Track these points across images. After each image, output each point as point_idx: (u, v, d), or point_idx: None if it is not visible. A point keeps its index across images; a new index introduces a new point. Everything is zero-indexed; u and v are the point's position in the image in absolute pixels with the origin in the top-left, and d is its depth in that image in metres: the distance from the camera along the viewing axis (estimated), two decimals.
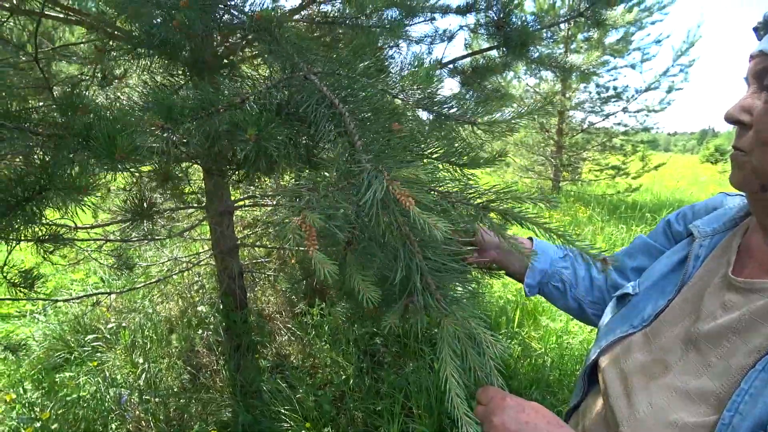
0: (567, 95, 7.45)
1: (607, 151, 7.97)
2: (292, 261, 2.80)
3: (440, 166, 0.77)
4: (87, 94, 1.58)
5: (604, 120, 7.67)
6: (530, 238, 0.90)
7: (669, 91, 7.02)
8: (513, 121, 0.71)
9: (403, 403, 1.99)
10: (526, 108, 0.71)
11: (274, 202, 2.57)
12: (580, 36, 6.04)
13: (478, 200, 0.65)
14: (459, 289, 0.67)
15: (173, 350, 2.47)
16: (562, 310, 0.90)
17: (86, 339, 2.65)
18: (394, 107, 0.79)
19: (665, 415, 0.52)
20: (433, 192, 0.65)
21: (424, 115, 0.83)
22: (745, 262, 0.59)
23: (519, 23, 1.45)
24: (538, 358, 2.59)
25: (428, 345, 2.38)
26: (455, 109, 0.79)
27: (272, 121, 0.69)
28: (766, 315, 0.51)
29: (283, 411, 1.94)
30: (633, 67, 7.21)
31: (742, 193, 0.67)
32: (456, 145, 0.76)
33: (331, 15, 1.51)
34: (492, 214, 0.63)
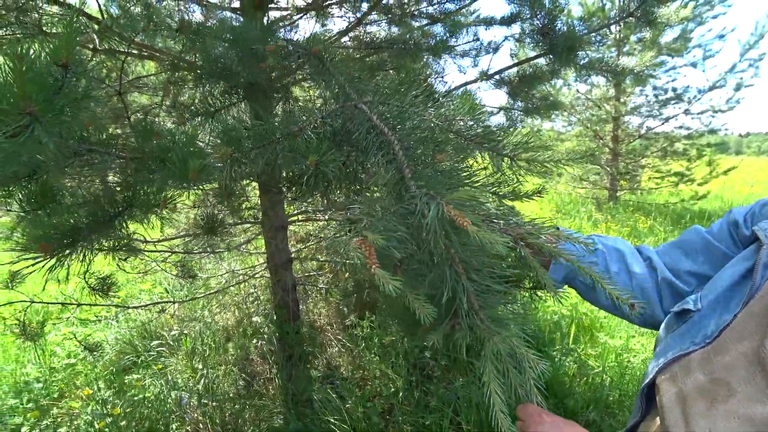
0: (622, 100, 7.10)
1: (668, 157, 7.45)
2: (345, 275, 2.87)
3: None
4: (158, 120, 1.74)
5: (663, 124, 7.21)
6: (556, 227, 0.82)
7: (737, 89, 6.48)
8: (551, 163, 0.72)
9: (452, 417, 1.96)
10: (565, 154, 0.71)
11: (326, 217, 2.66)
12: (632, 37, 5.77)
13: (516, 231, 0.66)
14: (503, 309, 0.68)
15: (230, 358, 2.60)
16: (595, 306, 0.83)
17: (152, 344, 2.85)
18: (439, 136, 0.82)
19: None
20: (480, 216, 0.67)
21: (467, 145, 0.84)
22: None
23: (565, 28, 1.43)
24: (596, 376, 2.46)
25: (478, 359, 2.33)
26: (497, 141, 0.80)
27: (330, 149, 0.74)
28: None
29: (332, 421, 1.97)
30: (694, 65, 6.75)
31: None
32: (497, 175, 0.77)
33: (378, 37, 1.57)
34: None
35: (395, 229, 0.61)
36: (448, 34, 1.60)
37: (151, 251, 2.23)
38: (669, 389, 0.60)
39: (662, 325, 0.71)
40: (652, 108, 7.11)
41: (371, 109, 0.80)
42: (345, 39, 1.77)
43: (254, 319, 2.89)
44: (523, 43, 1.77)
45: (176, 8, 2.06)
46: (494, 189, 0.81)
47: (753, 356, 0.53)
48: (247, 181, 2.21)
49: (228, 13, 2.00)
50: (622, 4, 1.56)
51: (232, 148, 0.70)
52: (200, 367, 2.49)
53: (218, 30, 1.09)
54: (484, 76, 2.00)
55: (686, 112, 6.94)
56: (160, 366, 2.60)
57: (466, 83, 2.11)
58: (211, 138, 0.83)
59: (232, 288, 3.17)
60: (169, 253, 2.35)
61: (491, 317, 0.63)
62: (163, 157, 0.63)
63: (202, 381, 2.37)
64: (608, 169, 7.64)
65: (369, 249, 0.55)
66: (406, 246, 0.63)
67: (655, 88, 6.99)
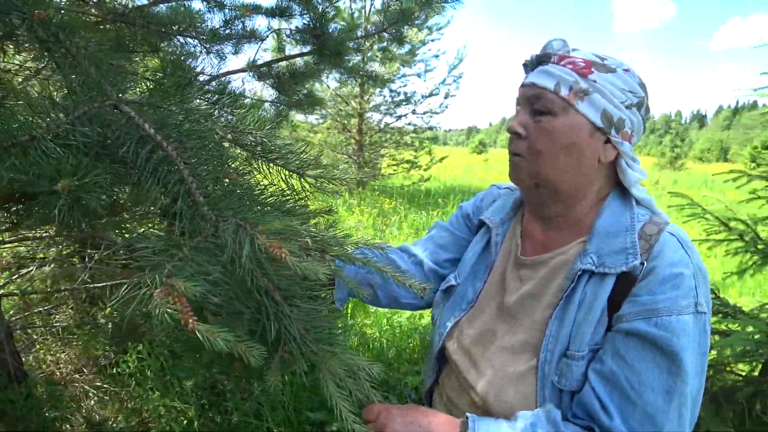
0: (365, 98, 8.15)
1: (401, 147, 9.07)
2: (95, 304, 2.26)
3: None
4: None
5: (397, 120, 8.76)
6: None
7: (446, 96, 8.59)
8: (336, 180, 0.75)
9: (256, 425, 1.87)
10: (345, 173, 0.77)
11: (44, 233, 2.03)
12: (375, 47, 6.75)
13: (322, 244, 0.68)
14: (328, 328, 0.69)
15: None
16: (376, 305, 0.97)
17: None
18: (226, 151, 0.72)
19: (504, 370, 0.68)
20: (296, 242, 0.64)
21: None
22: (527, 243, 0.77)
23: (336, 33, 1.51)
24: (375, 342, 2.80)
25: (254, 377, 2.28)
26: (284, 157, 0.77)
27: (94, 168, 0.54)
28: (549, 279, 0.70)
29: None
30: (419, 76, 8.50)
31: (510, 185, 0.88)
32: (288, 193, 0.76)
33: (120, 6, 1.25)
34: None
35: (206, 271, 0.52)
36: (225, 22, 1.43)
37: None
38: (455, 349, 0.77)
39: (434, 304, 0.89)
40: (389, 107, 8.53)
41: (138, 112, 0.63)
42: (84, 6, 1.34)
43: None
44: (293, 39, 1.77)
45: None
46: (288, 207, 0.79)
47: (501, 308, 0.74)
48: None
49: None
50: (376, 19, 1.75)
51: None
52: None
53: None
54: (252, 66, 1.91)
55: (413, 112, 8.64)
56: None
57: (230, 72, 1.97)
58: None
59: None
60: None
61: (320, 339, 0.63)
62: None
63: None
64: (355, 158, 8.69)
65: (180, 301, 0.46)
66: (221, 288, 0.55)
67: (391, 91, 8.41)
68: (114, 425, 1.88)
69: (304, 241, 0.66)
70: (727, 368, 2.03)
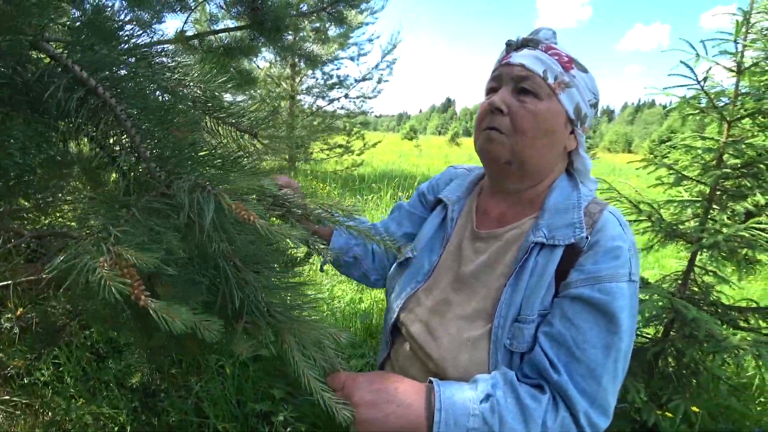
0: (297, 80, 7.85)
1: (333, 132, 8.91)
2: None
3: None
4: None
5: (329, 104, 8.54)
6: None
7: (379, 81, 8.49)
8: (289, 139, 0.73)
9: (200, 422, 1.78)
10: (310, 128, 0.74)
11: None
12: (309, 26, 6.47)
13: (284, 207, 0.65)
14: (293, 295, 0.66)
15: None
16: (355, 279, 1.03)
17: None
18: (168, 106, 0.65)
19: (460, 336, 0.72)
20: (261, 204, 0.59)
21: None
22: (483, 217, 0.82)
23: (275, 7, 1.42)
24: None
25: (209, 352, 2.18)
26: (237, 115, 0.72)
27: (9, 117, 0.46)
28: (503, 251, 0.75)
29: None
30: (352, 59, 8.30)
31: (467, 167, 0.94)
32: (240, 153, 0.71)
33: None
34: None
35: (160, 237, 0.46)
36: None
37: None
38: (412, 320, 0.80)
39: (388, 279, 0.92)
40: (322, 90, 8.27)
41: (69, 54, 0.54)
42: None
43: None
44: (228, 11, 1.64)
45: None
46: (238, 168, 0.74)
47: (457, 278, 0.78)
48: None
49: None
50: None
51: None
52: None
53: None
54: (182, 36, 1.75)
55: (346, 96, 8.47)
56: None
57: (156, 43, 1.78)
58: None
59: None
60: None
61: (285, 306, 0.60)
62: None
63: None
64: (287, 141, 8.39)
65: (130, 272, 0.40)
66: (177, 256, 0.50)
67: (324, 73, 8.15)
68: None
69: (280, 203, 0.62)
70: (637, 332, 2.30)
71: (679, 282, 2.26)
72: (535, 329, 0.68)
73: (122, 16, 0.62)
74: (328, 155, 9.00)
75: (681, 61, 1.95)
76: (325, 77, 8.16)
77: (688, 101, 2.09)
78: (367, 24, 7.85)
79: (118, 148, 0.57)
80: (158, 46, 0.70)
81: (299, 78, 7.89)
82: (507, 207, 0.80)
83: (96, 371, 1.93)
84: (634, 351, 2.10)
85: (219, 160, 0.62)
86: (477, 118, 0.78)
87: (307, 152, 8.89)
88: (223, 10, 1.69)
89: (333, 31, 6.61)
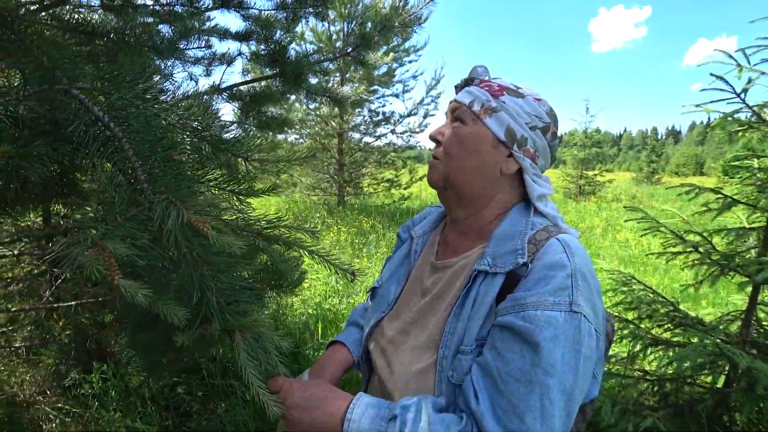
0: (344, 119, 8.28)
1: (382, 167, 9.18)
2: (59, 323, 2.23)
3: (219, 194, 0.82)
4: None
5: (377, 140, 8.90)
6: (335, 341, 0.99)
7: (425, 116, 8.78)
8: (282, 163, 0.82)
9: None
10: (295, 153, 0.84)
11: (16, 252, 2.04)
12: (352, 67, 6.91)
13: (255, 226, 0.73)
14: (248, 303, 0.73)
15: None
16: None
17: None
18: (172, 135, 0.78)
19: (410, 367, 0.74)
20: (221, 219, 0.69)
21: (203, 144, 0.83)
22: (444, 249, 0.85)
23: (294, 57, 1.58)
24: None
25: (237, 379, 2.29)
26: (232, 143, 0.82)
27: (33, 140, 0.60)
28: (452, 281, 0.76)
29: None
30: (397, 96, 8.70)
31: (441, 205, 0.96)
32: (234, 174, 0.82)
33: (91, 23, 1.29)
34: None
35: (136, 236, 0.57)
36: (178, 36, 1.48)
37: None
38: (375, 349, 0.83)
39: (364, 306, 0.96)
40: (368, 127, 8.67)
41: (88, 96, 0.69)
42: (44, 15, 1.38)
43: None
44: (256, 63, 1.85)
45: None
46: (231, 187, 0.85)
47: (417, 309, 0.80)
48: None
49: None
50: (340, 45, 1.83)
51: None
52: None
53: None
54: (216, 89, 1.97)
55: (393, 131, 8.80)
56: None
57: (199, 94, 2.02)
58: None
59: None
60: None
61: (237, 312, 0.67)
62: None
63: None
64: (336, 177, 8.76)
65: (109, 259, 0.51)
66: (148, 253, 0.60)
67: (370, 110, 8.59)
68: None
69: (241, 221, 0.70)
70: (691, 380, 2.04)
71: (740, 323, 2.00)
72: (473, 360, 0.66)
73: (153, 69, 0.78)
74: (375, 189, 9.24)
75: (711, 74, 1.78)
76: (371, 114, 8.53)
77: (731, 116, 1.84)
78: (410, 62, 8.19)
79: (119, 171, 0.69)
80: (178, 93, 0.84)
81: (346, 116, 8.30)
82: (459, 237, 0.82)
83: (137, 387, 2.09)
84: (687, 404, 1.87)
85: (205, 180, 0.74)
86: None
87: (358, 187, 9.20)
88: (251, 63, 1.89)
89: (375, 71, 6.96)
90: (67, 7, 1.33)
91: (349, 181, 8.94)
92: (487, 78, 0.82)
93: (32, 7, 1.30)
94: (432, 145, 0.82)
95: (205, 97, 1.79)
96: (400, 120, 8.69)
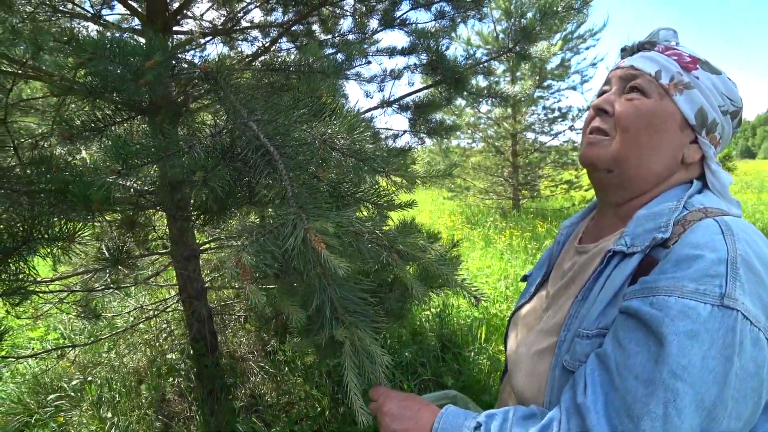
0: (517, 119, 7.93)
1: (560, 168, 8.43)
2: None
3: (363, 207, 0.91)
4: (47, 145, 1.62)
5: (553, 139, 8.22)
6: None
7: None
8: (419, 178, 0.86)
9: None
10: (432, 170, 0.87)
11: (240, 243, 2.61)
12: (521, 63, 6.60)
13: (385, 240, 0.77)
14: (364, 315, 0.79)
15: (143, 401, 2.41)
16: None
17: (48, 399, 2.53)
18: (323, 152, 0.87)
19: (531, 348, 0.71)
20: (343, 237, 0.76)
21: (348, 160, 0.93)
22: (586, 234, 0.78)
23: (452, 64, 1.63)
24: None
25: (399, 369, 2.45)
26: (372, 160, 0.89)
27: (217, 164, 0.79)
28: (583, 266, 0.70)
29: None
30: (574, 88, 7.89)
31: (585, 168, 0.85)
32: (375, 188, 0.89)
33: (287, 62, 1.62)
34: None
35: (268, 249, 0.68)
36: (345, 60, 1.71)
37: (44, 292, 2.02)
38: (512, 331, 0.84)
39: None
40: (543, 125, 8.07)
41: (259, 126, 0.85)
42: (257, 63, 1.79)
43: (168, 356, 2.71)
44: (421, 74, 1.96)
45: (69, 25, 1.95)
46: (373, 200, 0.92)
47: (553, 293, 0.76)
48: (154, 211, 2.11)
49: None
50: (500, 41, 1.80)
51: (119, 163, 0.71)
52: (110, 415, 2.27)
53: (100, 42, 1.02)
54: (385, 103, 2.17)
55: (571, 128, 8.00)
56: (62, 418, 2.32)
57: (372, 108, 2.26)
58: (98, 154, 0.82)
59: (141, 325, 2.94)
60: (67, 293, 2.14)
61: (352, 323, 0.73)
62: (63, 189, 0.63)
63: (113, 431, 2.16)
64: (510, 180, 8.40)
65: (243, 267, 0.63)
66: (279, 263, 0.71)
67: (544, 108, 7.99)
68: (268, 400, 2.30)
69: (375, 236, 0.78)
70: None
71: None
72: (592, 348, 0.59)
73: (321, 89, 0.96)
74: (553, 192, 8.57)
75: None
76: (545, 111, 7.94)
77: None
78: (587, 48, 7.31)
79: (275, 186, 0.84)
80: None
81: (520, 116, 7.93)
82: (606, 221, 0.73)
83: (315, 364, 2.46)
84: None
85: (347, 194, 0.84)
86: (583, 126, 0.73)
87: (534, 189, 8.69)
88: (414, 73, 2.01)
89: (553, 63, 6.40)
90: (262, 58, 1.66)
91: (524, 183, 8.50)
92: (674, 44, 0.69)
93: (234, 61, 1.67)
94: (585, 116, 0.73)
95: (363, 114, 1.99)
96: (579, 114, 7.82)
